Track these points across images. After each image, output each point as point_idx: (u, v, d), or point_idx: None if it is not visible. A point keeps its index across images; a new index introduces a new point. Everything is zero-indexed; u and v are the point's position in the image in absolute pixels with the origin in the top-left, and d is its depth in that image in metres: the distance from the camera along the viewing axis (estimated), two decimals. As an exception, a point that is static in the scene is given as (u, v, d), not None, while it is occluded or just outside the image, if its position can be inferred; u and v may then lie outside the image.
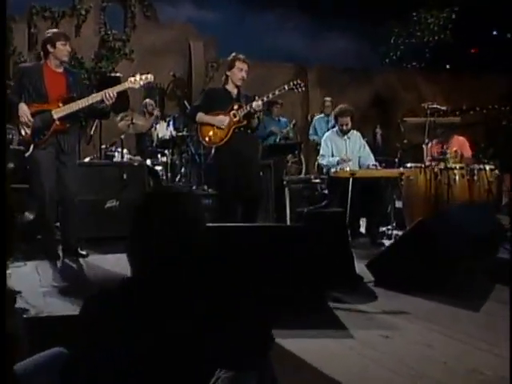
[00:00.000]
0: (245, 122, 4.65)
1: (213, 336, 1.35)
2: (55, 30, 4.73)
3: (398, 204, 6.25)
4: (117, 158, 6.43)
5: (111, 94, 4.36)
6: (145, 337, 1.36)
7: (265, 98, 4.65)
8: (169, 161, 6.98)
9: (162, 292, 1.41)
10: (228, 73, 4.74)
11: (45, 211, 4.43)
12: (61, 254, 4.53)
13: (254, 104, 4.56)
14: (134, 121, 6.80)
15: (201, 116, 4.70)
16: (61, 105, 4.33)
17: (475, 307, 3.03)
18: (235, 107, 4.64)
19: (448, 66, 13.63)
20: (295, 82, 4.72)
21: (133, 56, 10.70)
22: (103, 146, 6.98)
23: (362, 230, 5.68)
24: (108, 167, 5.54)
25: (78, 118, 4.59)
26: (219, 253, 2.99)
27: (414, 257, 3.50)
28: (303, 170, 11.87)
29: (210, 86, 10.81)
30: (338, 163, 5.47)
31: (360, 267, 3.83)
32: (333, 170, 5.40)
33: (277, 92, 4.73)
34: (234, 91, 4.75)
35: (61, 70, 4.48)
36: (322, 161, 5.76)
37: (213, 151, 4.74)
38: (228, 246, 3.01)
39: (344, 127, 5.65)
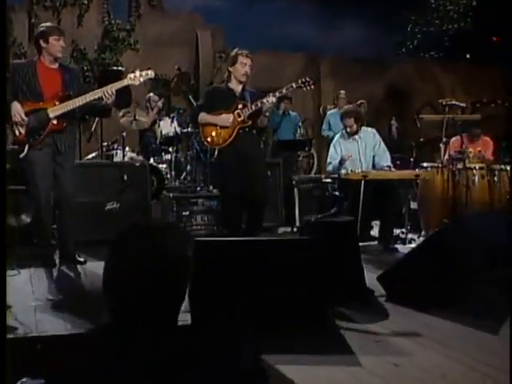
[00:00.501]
0: (250, 122, 4.51)
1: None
2: (48, 24, 4.62)
3: (413, 205, 6.10)
4: (118, 157, 6.34)
5: (110, 92, 4.26)
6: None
7: (271, 98, 4.49)
8: (173, 159, 6.88)
9: (136, 338, 1.29)
10: (230, 69, 4.62)
11: (41, 215, 4.36)
12: (57, 260, 4.45)
13: (262, 103, 4.42)
14: (136, 117, 6.72)
15: (203, 116, 4.58)
16: (57, 103, 4.23)
17: (495, 329, 2.88)
18: (239, 106, 4.51)
19: (468, 56, 13.30)
20: (304, 80, 4.57)
21: (137, 47, 10.57)
22: (104, 144, 6.91)
23: (375, 233, 5.51)
24: (108, 168, 5.46)
25: (75, 116, 4.48)
26: (219, 268, 2.89)
27: (429, 270, 3.36)
28: (315, 166, 11.75)
29: (218, 77, 10.71)
30: (340, 163, 5.33)
31: (371, 277, 3.70)
32: (343, 171, 5.25)
33: (284, 90, 4.60)
34: (238, 88, 4.61)
35: (55, 66, 4.37)
36: (329, 167, 5.62)
37: (216, 152, 4.61)
38: (227, 260, 2.90)
39: (348, 129, 5.50)
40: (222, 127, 4.48)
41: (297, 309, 2.96)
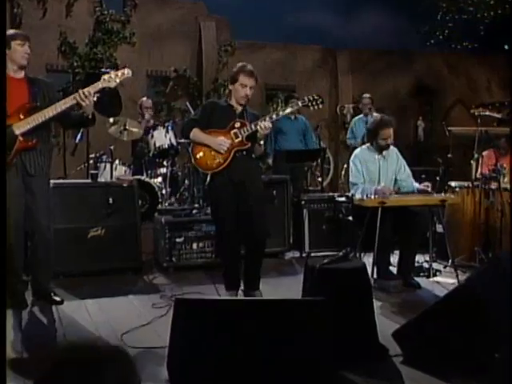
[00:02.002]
0: (248, 145, 4.32)
1: None
2: (11, 31, 4.40)
3: (440, 228, 5.88)
4: (106, 171, 6.19)
5: (84, 94, 4.08)
6: None
7: (274, 116, 4.30)
8: (168, 173, 6.73)
9: None
10: (231, 87, 4.42)
11: (10, 247, 4.19)
12: (30, 299, 4.31)
13: (256, 125, 4.23)
14: (127, 126, 6.55)
15: (196, 133, 4.38)
16: (22, 117, 4.06)
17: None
18: (237, 125, 4.31)
19: (506, 47, 12.98)
20: (311, 98, 4.36)
21: (134, 40, 10.49)
22: (92, 155, 6.78)
23: (394, 260, 5.30)
24: (91, 189, 5.28)
25: (47, 131, 4.31)
26: (205, 334, 2.73)
27: (456, 328, 3.15)
28: (330, 172, 11.56)
29: (224, 74, 10.57)
30: (376, 193, 4.97)
31: (385, 327, 3.51)
32: (357, 196, 5.03)
33: (288, 109, 4.42)
34: (239, 108, 4.42)
35: (21, 75, 4.21)
36: (356, 191, 5.17)
37: (208, 177, 4.41)
38: (217, 325, 2.73)
39: (383, 142, 5.18)
40: (216, 150, 4.29)
41: (297, 376, 2.80)
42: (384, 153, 5.26)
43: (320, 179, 8.28)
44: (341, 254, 3.53)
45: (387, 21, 14.38)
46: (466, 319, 3.14)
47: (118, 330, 3.74)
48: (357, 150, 5.49)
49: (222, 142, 4.28)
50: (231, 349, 2.74)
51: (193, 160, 4.43)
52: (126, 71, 4.16)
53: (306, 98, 4.37)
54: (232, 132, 4.31)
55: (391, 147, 5.29)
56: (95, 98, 4.36)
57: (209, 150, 4.31)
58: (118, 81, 4.12)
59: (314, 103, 4.33)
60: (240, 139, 4.29)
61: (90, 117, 4.28)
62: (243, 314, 2.80)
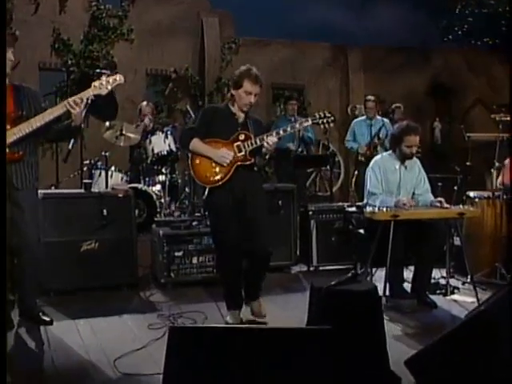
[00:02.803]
0: (252, 161, 4.26)
1: None
2: None
3: (457, 240, 5.83)
4: (100, 178, 6.18)
5: (77, 100, 4.05)
6: None
7: (281, 132, 4.22)
8: (167, 181, 6.70)
9: None
10: (233, 92, 4.32)
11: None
12: (16, 319, 4.28)
13: (261, 140, 4.17)
14: (123, 131, 6.53)
15: (196, 143, 4.31)
16: (8, 127, 4.03)
17: None
18: (241, 137, 4.24)
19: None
20: (322, 115, 4.29)
21: (132, 36, 10.53)
22: (86, 162, 6.77)
23: (408, 276, 5.24)
24: (84, 200, 5.24)
25: (34, 141, 4.27)
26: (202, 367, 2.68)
27: (476, 357, 3.08)
28: (341, 176, 11.53)
29: (227, 72, 10.55)
30: (396, 205, 4.92)
31: (398, 353, 3.45)
32: (369, 208, 4.97)
33: (297, 125, 4.32)
34: (241, 115, 4.36)
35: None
36: (374, 201, 5.09)
37: (207, 191, 4.36)
38: (215, 355, 2.68)
39: (408, 150, 5.10)
40: (217, 163, 4.23)
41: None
42: (406, 162, 5.21)
43: (328, 186, 8.21)
44: (349, 274, 3.47)
45: (402, 15, 14.34)
46: (487, 349, 3.08)
47: (111, 354, 3.70)
48: (377, 157, 5.43)
49: (224, 154, 4.21)
50: (229, 380, 2.70)
51: (191, 172, 4.37)
52: (118, 77, 4.13)
53: (316, 115, 4.28)
54: (235, 145, 4.23)
55: (414, 158, 5.23)
56: (89, 101, 4.33)
57: (209, 162, 4.24)
58: (109, 88, 4.10)
59: (325, 121, 4.27)
60: (243, 154, 4.22)
61: (79, 126, 4.26)
62: (242, 344, 2.75)
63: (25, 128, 4.04)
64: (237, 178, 4.24)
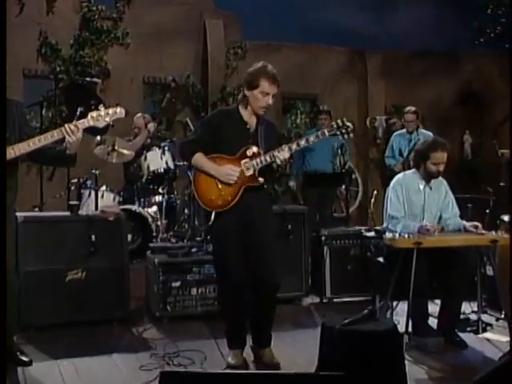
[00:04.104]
0: (261, 181, 4.22)
1: None
2: None
3: (490, 270, 5.77)
4: (89, 200, 6.19)
5: (73, 128, 4.08)
6: None
7: (294, 146, 4.19)
8: (164, 202, 6.70)
9: None
10: (247, 93, 4.24)
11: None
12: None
13: (272, 156, 4.14)
14: (116, 147, 6.55)
15: (199, 158, 4.26)
16: None
17: None
18: (249, 152, 4.20)
19: None
20: (340, 124, 4.27)
21: (128, 41, 10.57)
22: (74, 180, 6.79)
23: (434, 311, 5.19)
24: (70, 223, 5.24)
25: (15, 163, 4.28)
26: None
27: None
28: (359, 195, 11.50)
29: (232, 80, 10.59)
30: (419, 231, 4.88)
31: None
32: (389, 234, 4.93)
33: (312, 138, 4.24)
34: (253, 121, 4.30)
35: None
36: (395, 226, 5.07)
37: (213, 216, 4.32)
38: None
39: (434, 168, 5.08)
40: (223, 182, 4.19)
41: None
42: (431, 182, 5.18)
43: (344, 207, 8.18)
44: (366, 310, 3.43)
45: (428, 16, 14.30)
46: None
47: (97, 401, 3.68)
48: (399, 176, 5.40)
49: (229, 171, 4.17)
50: None
51: (195, 194, 4.33)
52: (119, 110, 4.17)
53: (334, 125, 4.27)
54: (243, 162, 4.18)
55: (440, 177, 5.20)
56: (78, 113, 4.35)
57: (214, 182, 4.20)
58: (108, 120, 4.14)
59: (343, 131, 4.24)
60: (251, 173, 4.19)
61: (74, 155, 4.28)
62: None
63: (9, 153, 4.05)
64: (244, 199, 4.20)
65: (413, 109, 8.15)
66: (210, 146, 4.26)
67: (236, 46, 11.09)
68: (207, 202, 4.25)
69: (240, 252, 4.23)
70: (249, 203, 4.22)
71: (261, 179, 4.21)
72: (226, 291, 4.36)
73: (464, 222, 5.19)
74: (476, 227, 5.02)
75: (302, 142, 4.24)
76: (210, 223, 4.35)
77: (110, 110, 4.15)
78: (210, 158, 4.25)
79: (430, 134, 7.95)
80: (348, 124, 4.26)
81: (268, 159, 4.16)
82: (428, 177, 5.17)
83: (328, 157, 8.15)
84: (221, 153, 4.25)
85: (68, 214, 5.38)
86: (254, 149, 4.22)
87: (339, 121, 4.28)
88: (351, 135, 4.29)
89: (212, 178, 4.22)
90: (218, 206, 4.22)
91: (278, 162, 4.15)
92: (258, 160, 4.18)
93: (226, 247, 4.25)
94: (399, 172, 7.73)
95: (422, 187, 5.19)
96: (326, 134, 4.26)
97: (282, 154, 4.13)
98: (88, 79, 7.76)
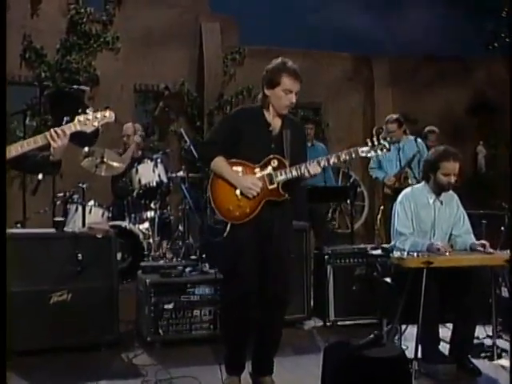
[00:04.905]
0: (285, 196, 4.17)
1: None
2: None
3: (505, 292, 5.79)
4: (76, 216, 6.20)
5: (59, 132, 4.08)
6: None
7: (315, 167, 4.12)
8: (157, 218, 6.71)
9: None
10: (268, 92, 4.19)
11: None
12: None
13: (301, 171, 4.11)
14: (105, 159, 6.57)
15: (219, 164, 4.21)
16: None
17: None
18: (273, 163, 4.16)
19: None
20: (376, 142, 4.21)
21: (118, 45, 10.64)
22: (60, 194, 6.81)
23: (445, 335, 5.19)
24: (55, 241, 5.25)
25: None
26: None
27: None
28: (365, 210, 11.54)
29: (230, 89, 10.62)
30: (428, 249, 4.89)
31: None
32: (396, 253, 4.94)
33: (343, 155, 4.17)
34: (276, 123, 4.25)
35: None
36: (403, 244, 5.07)
37: (228, 227, 4.25)
38: None
39: (445, 180, 5.05)
40: (242, 194, 4.17)
41: None
42: (442, 196, 5.18)
43: (349, 223, 8.20)
44: (371, 335, 3.43)
45: (438, 20, 14.37)
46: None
47: None
48: (407, 190, 5.39)
49: (251, 185, 4.12)
50: None
51: (210, 200, 4.26)
52: (108, 114, 4.15)
53: (375, 141, 4.19)
54: (265, 174, 4.16)
55: (451, 191, 5.20)
56: (64, 122, 4.36)
57: (232, 191, 4.16)
58: (96, 125, 4.13)
59: (383, 147, 4.21)
60: (274, 187, 4.15)
61: (58, 162, 4.29)
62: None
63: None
64: (264, 213, 4.17)
65: (394, 117, 8.02)
66: (230, 148, 4.23)
67: (234, 51, 11.17)
68: (224, 211, 4.21)
69: (253, 268, 4.18)
70: (268, 217, 4.17)
71: (284, 193, 4.17)
72: (233, 310, 4.32)
73: (473, 239, 5.19)
74: (484, 246, 5.01)
75: (332, 160, 4.16)
76: (225, 234, 4.30)
77: (99, 114, 4.13)
78: (230, 164, 4.21)
79: (420, 141, 7.84)
80: (384, 143, 4.21)
81: (294, 173, 4.12)
82: (438, 190, 5.16)
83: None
84: (240, 155, 4.22)
85: (53, 230, 5.38)
86: (279, 159, 4.17)
87: (375, 139, 4.24)
88: (388, 152, 4.28)
89: (231, 187, 4.18)
90: (234, 217, 4.18)
91: (307, 175, 4.12)
92: (283, 172, 4.14)
93: (239, 262, 4.21)
94: (392, 185, 7.78)
95: (431, 201, 5.18)
96: (360, 152, 4.20)
97: (313, 169, 4.10)
98: (75, 86, 7.77)
